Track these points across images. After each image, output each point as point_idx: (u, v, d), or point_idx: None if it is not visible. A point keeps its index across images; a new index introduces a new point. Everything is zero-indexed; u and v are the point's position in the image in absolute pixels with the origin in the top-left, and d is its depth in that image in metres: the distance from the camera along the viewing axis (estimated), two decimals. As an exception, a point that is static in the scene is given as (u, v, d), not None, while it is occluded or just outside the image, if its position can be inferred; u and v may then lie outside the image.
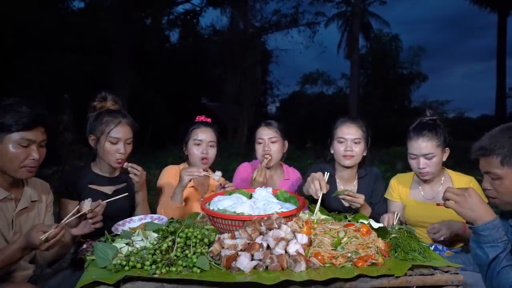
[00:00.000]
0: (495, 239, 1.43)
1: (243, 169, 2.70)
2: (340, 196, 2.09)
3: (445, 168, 2.31)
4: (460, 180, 2.25)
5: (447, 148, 2.20)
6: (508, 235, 1.61)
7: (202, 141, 2.38)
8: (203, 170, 2.20)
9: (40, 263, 1.80)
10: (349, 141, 2.32)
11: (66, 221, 1.56)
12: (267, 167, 2.61)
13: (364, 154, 2.41)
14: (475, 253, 1.47)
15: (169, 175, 2.43)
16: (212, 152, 2.41)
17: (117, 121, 2.06)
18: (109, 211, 1.88)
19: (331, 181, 2.47)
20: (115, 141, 2.05)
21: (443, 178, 2.27)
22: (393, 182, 2.43)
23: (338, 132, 2.37)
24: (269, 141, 2.56)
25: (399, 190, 2.38)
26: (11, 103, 1.59)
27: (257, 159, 2.68)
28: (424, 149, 2.13)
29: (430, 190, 2.29)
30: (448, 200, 1.53)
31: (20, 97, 1.64)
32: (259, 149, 2.58)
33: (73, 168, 2.23)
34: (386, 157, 11.36)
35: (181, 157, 2.57)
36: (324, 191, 1.86)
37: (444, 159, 2.20)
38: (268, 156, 2.54)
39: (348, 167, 2.40)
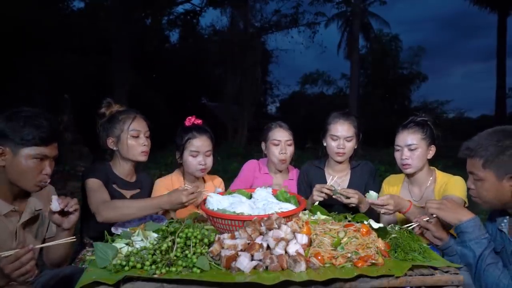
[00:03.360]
0: (478, 236, 1.52)
1: (251, 166, 2.68)
2: (334, 196, 2.16)
3: (435, 169, 2.30)
4: (442, 180, 2.23)
5: (433, 146, 2.21)
6: (498, 238, 1.64)
7: (199, 152, 2.29)
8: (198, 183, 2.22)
9: (48, 266, 1.79)
10: (342, 139, 2.37)
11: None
12: (279, 169, 2.62)
13: (355, 147, 2.45)
14: (461, 254, 1.53)
15: (160, 189, 2.33)
16: (209, 161, 2.33)
17: (132, 116, 2.13)
18: None
19: (321, 175, 2.57)
20: (136, 134, 2.11)
21: (431, 178, 2.26)
22: (384, 184, 2.46)
23: (331, 128, 2.41)
24: (286, 143, 2.55)
25: (389, 191, 2.38)
26: (30, 115, 1.55)
27: (264, 157, 2.70)
28: (408, 140, 2.18)
29: (418, 192, 2.29)
30: (432, 214, 1.66)
31: (37, 107, 1.63)
32: (274, 151, 2.54)
33: (98, 163, 2.21)
34: (386, 157, 11.35)
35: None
36: (329, 189, 2.18)
37: (429, 156, 2.22)
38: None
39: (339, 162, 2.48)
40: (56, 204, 1.52)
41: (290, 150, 2.58)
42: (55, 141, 1.61)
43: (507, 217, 1.62)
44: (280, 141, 2.55)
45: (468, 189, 1.64)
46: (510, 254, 1.57)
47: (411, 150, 2.17)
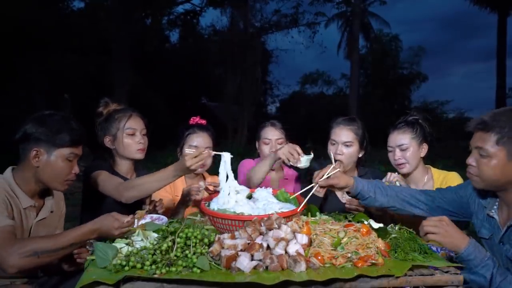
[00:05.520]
0: (482, 259, 1.45)
1: (247, 164, 2.66)
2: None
3: (431, 167, 2.32)
4: (440, 176, 2.25)
5: (425, 144, 2.23)
6: (485, 224, 1.62)
7: (198, 147, 2.29)
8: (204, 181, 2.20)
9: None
10: (340, 144, 2.32)
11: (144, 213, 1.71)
12: (272, 168, 2.60)
13: (360, 156, 2.40)
14: (471, 280, 1.45)
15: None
16: (208, 159, 2.34)
17: (128, 114, 2.14)
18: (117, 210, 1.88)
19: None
20: (132, 132, 2.11)
21: (426, 177, 2.28)
22: None
23: (332, 133, 2.39)
24: (276, 142, 2.55)
25: None
26: (61, 119, 1.66)
27: (259, 157, 2.69)
28: (399, 140, 2.21)
29: None
30: (426, 234, 1.51)
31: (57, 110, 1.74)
32: (265, 149, 2.56)
33: (99, 161, 2.21)
34: (386, 157, 11.33)
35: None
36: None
37: (422, 155, 2.24)
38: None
39: None
40: None
41: None
42: (83, 142, 1.71)
43: (497, 200, 1.59)
44: (271, 140, 2.55)
45: (468, 165, 1.56)
46: (498, 243, 1.56)
47: (402, 150, 2.21)
